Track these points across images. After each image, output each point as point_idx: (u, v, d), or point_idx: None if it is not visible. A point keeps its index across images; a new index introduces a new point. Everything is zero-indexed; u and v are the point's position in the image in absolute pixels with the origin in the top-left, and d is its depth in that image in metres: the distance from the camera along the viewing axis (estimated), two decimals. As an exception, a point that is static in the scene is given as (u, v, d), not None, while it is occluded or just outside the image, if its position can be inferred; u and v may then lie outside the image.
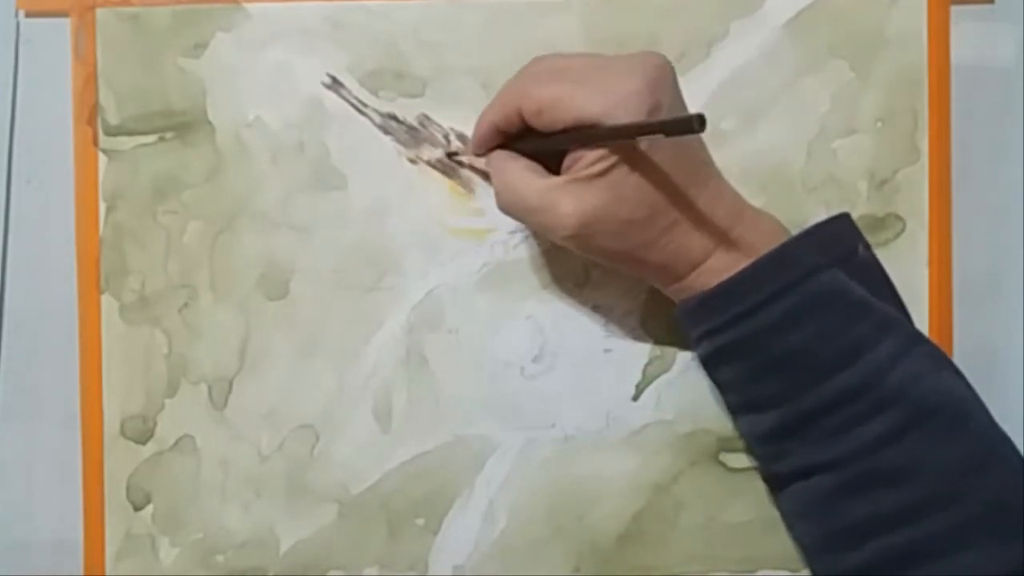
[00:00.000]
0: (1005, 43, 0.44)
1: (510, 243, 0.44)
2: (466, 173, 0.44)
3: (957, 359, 0.43)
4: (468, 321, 0.44)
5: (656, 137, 0.35)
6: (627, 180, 0.36)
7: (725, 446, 0.43)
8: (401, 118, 0.43)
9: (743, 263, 0.37)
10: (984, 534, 0.35)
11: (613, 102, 0.35)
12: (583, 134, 0.36)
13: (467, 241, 0.44)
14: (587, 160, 0.36)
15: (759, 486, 0.43)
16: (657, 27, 0.43)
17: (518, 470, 0.43)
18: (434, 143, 0.43)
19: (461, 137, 0.43)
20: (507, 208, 0.39)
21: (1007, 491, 0.36)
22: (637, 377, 0.44)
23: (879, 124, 0.43)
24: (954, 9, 0.43)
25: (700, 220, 0.38)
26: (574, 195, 0.37)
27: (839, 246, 0.38)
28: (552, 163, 0.38)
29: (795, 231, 0.39)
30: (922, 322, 0.43)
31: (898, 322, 0.38)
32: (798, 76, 0.43)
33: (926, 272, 0.43)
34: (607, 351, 0.44)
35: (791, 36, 0.43)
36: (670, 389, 0.43)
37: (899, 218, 0.43)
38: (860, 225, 0.42)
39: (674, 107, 0.37)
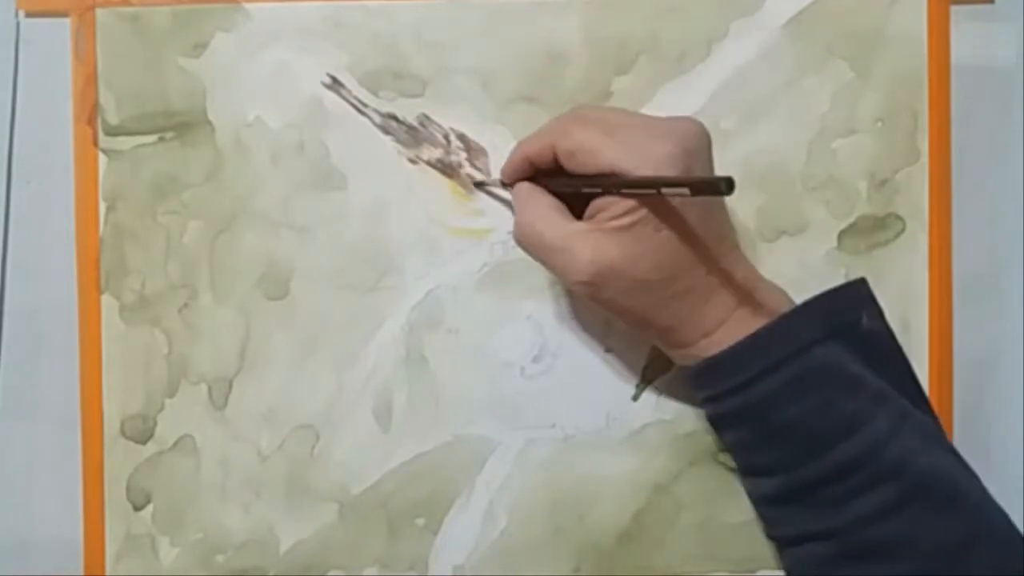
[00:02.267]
0: (1005, 43, 0.44)
1: (510, 243, 0.43)
2: (466, 173, 0.44)
3: (957, 359, 0.43)
4: (468, 321, 0.44)
5: (682, 195, 0.34)
6: (649, 239, 0.36)
7: (725, 446, 0.43)
8: (401, 118, 0.43)
9: (759, 323, 0.37)
10: None
11: (646, 160, 0.35)
12: (610, 180, 0.36)
13: (467, 241, 0.44)
14: (613, 212, 0.36)
15: (759, 486, 0.43)
16: (657, 27, 0.43)
17: (518, 470, 0.43)
18: (434, 143, 0.43)
19: (461, 137, 0.43)
20: (524, 241, 0.39)
21: (1003, 566, 0.36)
22: (637, 377, 0.44)
23: (879, 124, 0.43)
24: (954, 9, 0.43)
25: (714, 291, 0.38)
26: (593, 244, 0.37)
27: (840, 317, 0.38)
28: (575, 207, 0.39)
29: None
30: (922, 322, 0.43)
31: (891, 396, 0.37)
32: (798, 76, 0.43)
33: (926, 272, 0.43)
34: (607, 351, 0.44)
35: (791, 36, 0.43)
36: (670, 389, 0.43)
37: (899, 218, 0.43)
38: (860, 225, 0.42)
39: (706, 172, 0.37)
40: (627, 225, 0.36)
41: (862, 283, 0.39)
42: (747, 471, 0.41)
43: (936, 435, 0.38)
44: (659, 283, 0.37)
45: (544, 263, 0.39)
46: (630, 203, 0.36)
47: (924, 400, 0.39)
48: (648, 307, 0.38)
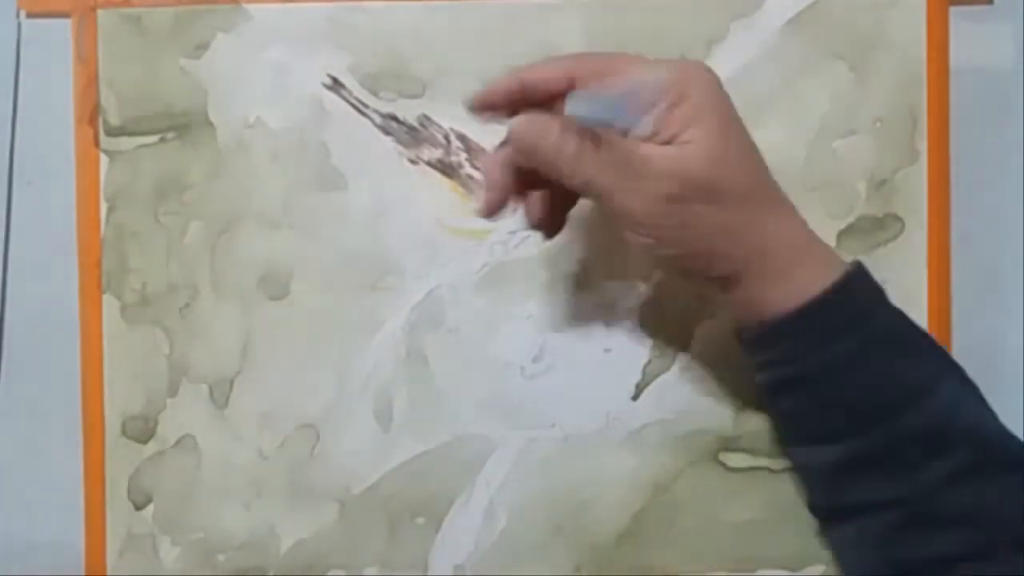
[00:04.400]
0: (1004, 44, 0.44)
1: (510, 243, 0.44)
2: (466, 173, 0.44)
3: (957, 359, 0.43)
4: (468, 321, 0.44)
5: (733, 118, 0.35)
6: (726, 146, 0.35)
7: (725, 446, 0.43)
8: (401, 118, 0.44)
9: (825, 282, 0.36)
10: None
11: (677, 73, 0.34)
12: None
13: (467, 241, 0.44)
14: (675, 126, 0.34)
15: (758, 486, 0.43)
16: (657, 27, 0.43)
17: (518, 470, 0.43)
18: (434, 144, 0.44)
19: (461, 137, 0.43)
20: (593, 168, 0.35)
21: None
22: (637, 377, 0.44)
23: (878, 124, 0.43)
24: (953, 10, 0.43)
25: (793, 212, 0.37)
26: (674, 155, 0.34)
27: (880, 289, 0.37)
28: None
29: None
30: (921, 323, 0.43)
31: (953, 362, 0.37)
32: (797, 76, 0.43)
33: (925, 272, 0.43)
34: (607, 351, 0.44)
35: (791, 36, 0.43)
36: (670, 389, 0.43)
37: (898, 218, 0.43)
38: (859, 226, 0.42)
39: (734, 111, 0.36)
40: (697, 136, 0.34)
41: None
42: (806, 439, 0.39)
43: (985, 402, 0.37)
44: (745, 192, 0.35)
45: (615, 188, 0.35)
46: (687, 115, 0.34)
47: None
48: (733, 226, 0.35)
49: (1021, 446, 0.37)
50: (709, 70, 0.36)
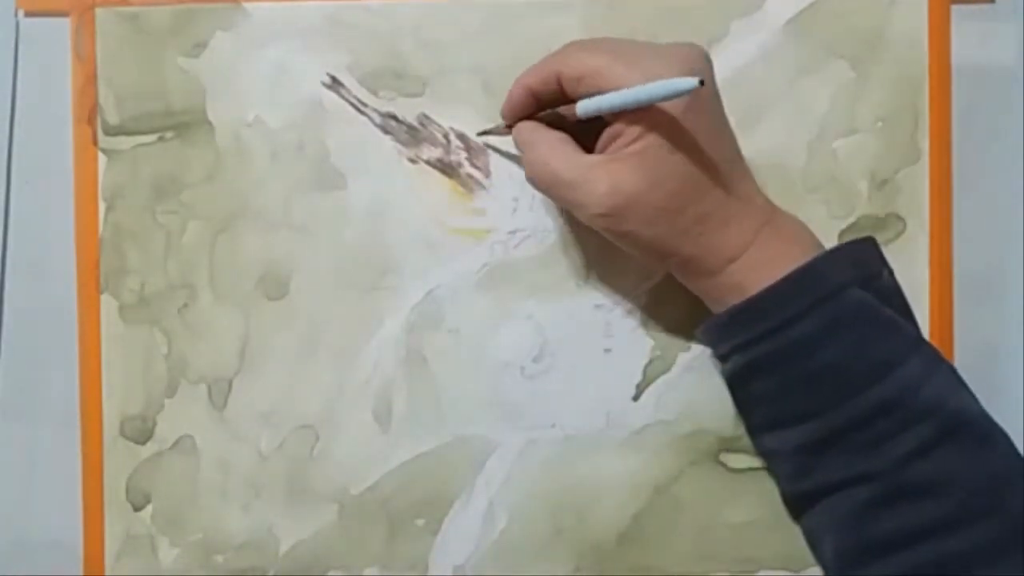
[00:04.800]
0: (1005, 43, 0.44)
1: (510, 243, 0.43)
2: (466, 173, 0.43)
3: (957, 359, 0.43)
4: (468, 321, 0.43)
5: (694, 122, 0.36)
6: (664, 163, 0.36)
7: (725, 446, 0.43)
8: (401, 118, 0.43)
9: (778, 263, 0.37)
10: (1015, 549, 0.35)
11: (649, 78, 0.35)
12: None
13: (467, 241, 0.44)
14: (625, 139, 0.36)
15: (759, 486, 0.43)
16: (657, 27, 0.43)
17: (518, 470, 0.43)
18: (434, 143, 0.43)
19: (461, 137, 0.43)
20: (538, 180, 0.39)
21: None
22: (637, 377, 0.43)
23: (879, 124, 0.43)
24: (954, 9, 0.43)
25: (734, 214, 0.38)
26: (610, 173, 0.37)
27: (866, 267, 0.38)
28: (585, 143, 0.39)
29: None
30: (922, 322, 0.43)
31: (923, 341, 0.38)
32: (798, 76, 0.43)
33: (926, 272, 0.43)
34: (607, 351, 0.44)
35: (791, 36, 0.43)
36: (670, 389, 0.43)
37: (900, 218, 0.43)
38: (860, 225, 0.42)
39: (711, 97, 0.37)
40: (640, 150, 0.36)
41: (873, 240, 0.39)
42: (775, 423, 0.40)
43: (962, 381, 0.38)
44: (679, 208, 0.37)
45: (559, 200, 0.39)
46: (639, 128, 0.36)
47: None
48: (670, 236, 0.37)
49: (986, 417, 0.37)
50: (700, 64, 0.37)
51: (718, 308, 0.40)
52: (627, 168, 0.36)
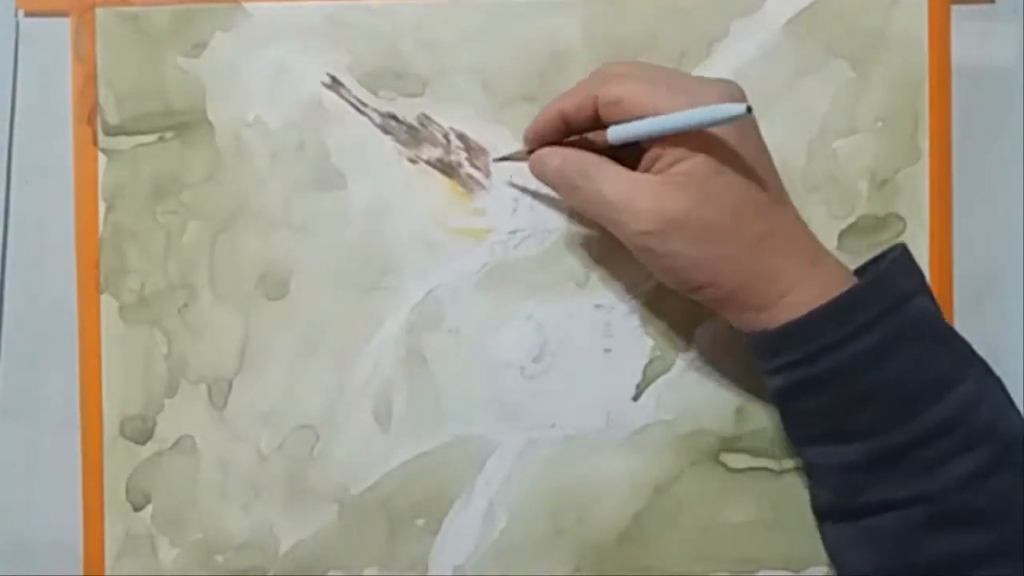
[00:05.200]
0: (1005, 43, 0.44)
1: (510, 243, 0.43)
2: (466, 173, 0.43)
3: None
4: (468, 321, 0.43)
5: (741, 146, 0.36)
6: (712, 183, 0.35)
7: (725, 446, 0.43)
8: (401, 118, 0.43)
9: (831, 295, 0.36)
10: None
11: (696, 103, 0.35)
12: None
13: (467, 241, 0.44)
14: (668, 160, 0.36)
15: (759, 486, 0.43)
16: (657, 27, 0.43)
17: (518, 470, 0.43)
18: (434, 143, 0.43)
19: (461, 137, 0.43)
20: (582, 200, 0.38)
21: None
22: (637, 377, 0.43)
23: (879, 124, 0.43)
24: (955, 9, 0.43)
25: (788, 241, 0.36)
26: (656, 191, 0.36)
27: (920, 273, 0.37)
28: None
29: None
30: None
31: (976, 355, 0.37)
32: (798, 76, 0.43)
33: (927, 272, 0.43)
34: (607, 351, 0.44)
35: (791, 36, 0.43)
36: (670, 389, 0.43)
37: (900, 218, 0.43)
38: (860, 225, 0.42)
39: (754, 126, 0.37)
40: (689, 170, 0.35)
41: (906, 247, 0.39)
42: (827, 439, 0.38)
43: (1010, 398, 0.37)
44: (730, 229, 0.35)
45: (602, 218, 0.38)
46: (681, 150, 0.35)
47: None
48: (718, 260, 0.36)
49: None
50: (739, 94, 0.37)
51: (741, 326, 0.38)
52: (675, 186, 0.35)
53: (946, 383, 0.35)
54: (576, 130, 0.39)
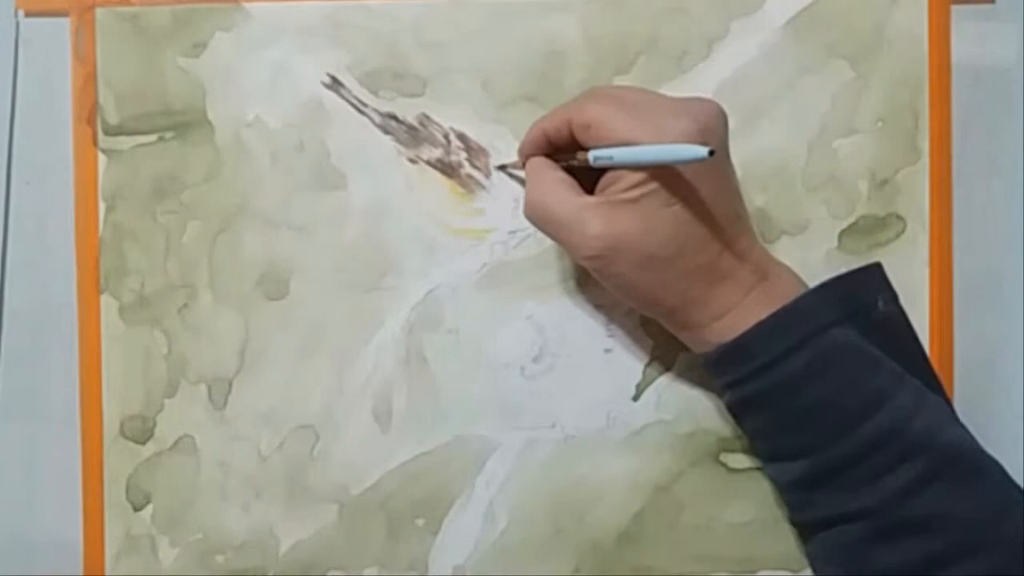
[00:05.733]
0: (1005, 43, 0.44)
1: (510, 243, 0.43)
2: (466, 173, 0.43)
3: (957, 359, 0.43)
4: (468, 321, 0.43)
5: (697, 180, 0.36)
6: (659, 213, 0.36)
7: (725, 446, 0.43)
8: (401, 118, 0.43)
9: (771, 307, 0.37)
10: None
11: (660, 135, 0.35)
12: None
13: (467, 241, 0.44)
14: (622, 185, 0.36)
15: (759, 486, 0.43)
16: (657, 27, 0.43)
17: (518, 470, 0.43)
18: (434, 143, 0.43)
19: (461, 137, 0.43)
20: (533, 216, 0.39)
21: None
22: (637, 377, 0.43)
23: (879, 124, 0.43)
24: (954, 9, 0.43)
25: (726, 272, 0.37)
26: (604, 217, 0.37)
27: (855, 301, 0.38)
28: (587, 184, 0.39)
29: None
30: (922, 322, 0.43)
31: (907, 375, 0.38)
32: (798, 76, 0.43)
33: (926, 272, 0.43)
34: (607, 351, 0.44)
35: (791, 36, 0.43)
36: (670, 389, 0.43)
37: (900, 218, 0.43)
38: (860, 225, 0.42)
39: (720, 157, 0.37)
40: (636, 198, 0.36)
41: (877, 267, 0.39)
42: (773, 456, 0.40)
43: (952, 414, 0.38)
44: (669, 259, 0.37)
45: (553, 237, 0.39)
46: (640, 176, 0.36)
47: (938, 384, 0.39)
48: (657, 285, 0.37)
49: (977, 448, 0.37)
50: (713, 122, 0.37)
51: (690, 341, 0.40)
52: (621, 213, 0.36)
53: (878, 399, 0.37)
54: (559, 149, 0.40)
